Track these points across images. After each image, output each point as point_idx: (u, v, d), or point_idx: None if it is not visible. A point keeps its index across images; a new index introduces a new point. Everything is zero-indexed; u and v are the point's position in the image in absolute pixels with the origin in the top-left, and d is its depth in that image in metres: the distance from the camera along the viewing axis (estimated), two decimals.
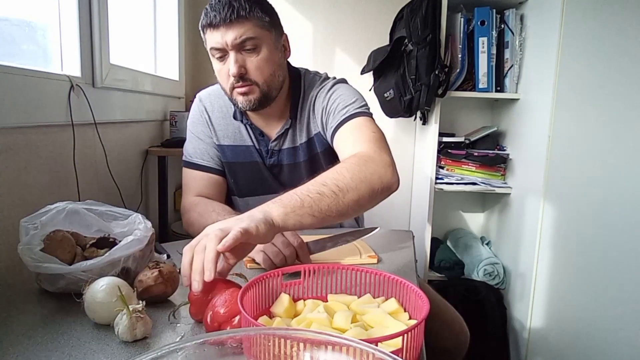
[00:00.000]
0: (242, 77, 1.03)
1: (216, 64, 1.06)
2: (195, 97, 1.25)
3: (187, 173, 1.20)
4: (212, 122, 1.20)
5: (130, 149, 1.60)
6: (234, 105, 1.12)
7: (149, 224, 0.83)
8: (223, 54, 1.03)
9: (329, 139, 1.11)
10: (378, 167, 0.89)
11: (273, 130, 1.17)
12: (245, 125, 1.18)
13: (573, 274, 1.56)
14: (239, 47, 1.01)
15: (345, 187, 0.81)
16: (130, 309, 0.61)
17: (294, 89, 1.16)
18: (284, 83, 1.13)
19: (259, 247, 0.88)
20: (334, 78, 1.20)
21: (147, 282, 0.72)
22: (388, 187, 0.89)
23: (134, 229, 0.82)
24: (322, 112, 1.12)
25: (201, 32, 1.05)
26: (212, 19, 1.00)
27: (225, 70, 1.04)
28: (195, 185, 1.18)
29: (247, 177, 1.21)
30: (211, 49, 1.04)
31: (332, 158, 1.13)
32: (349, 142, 1.00)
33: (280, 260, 0.88)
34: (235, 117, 1.18)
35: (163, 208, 1.77)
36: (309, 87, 1.17)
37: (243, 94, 1.05)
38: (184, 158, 1.22)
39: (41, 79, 1.07)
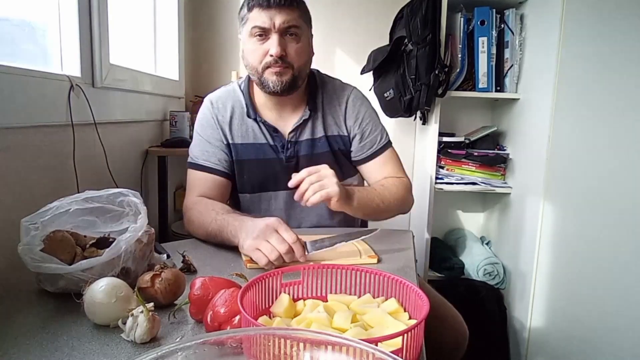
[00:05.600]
0: (281, 58, 1.09)
1: (252, 44, 1.10)
2: (203, 100, 1.26)
3: (192, 174, 1.21)
4: (224, 122, 1.20)
5: (130, 149, 1.60)
6: (263, 85, 1.14)
7: (140, 201, 0.83)
8: (265, 34, 1.08)
9: (357, 157, 1.26)
10: (408, 194, 1.23)
11: (287, 123, 1.21)
12: (258, 123, 1.20)
13: (573, 274, 1.56)
14: (284, 31, 1.08)
15: (387, 203, 1.15)
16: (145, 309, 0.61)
17: (311, 83, 1.24)
18: (307, 77, 1.21)
19: (254, 245, 0.89)
20: (342, 81, 1.30)
21: (149, 291, 0.71)
22: (408, 208, 1.25)
23: (130, 224, 0.81)
24: (353, 125, 1.24)
25: (244, 9, 1.10)
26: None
27: (262, 49, 1.09)
28: (199, 186, 1.19)
29: (259, 173, 1.23)
30: (253, 27, 1.08)
31: (342, 159, 1.25)
32: (387, 170, 1.25)
33: (277, 258, 0.88)
34: (249, 116, 1.20)
35: (163, 208, 1.77)
36: (322, 84, 1.25)
37: (277, 73, 1.10)
38: (189, 160, 1.22)
39: (41, 79, 1.07)
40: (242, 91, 1.22)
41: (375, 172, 1.25)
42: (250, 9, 1.08)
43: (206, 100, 1.24)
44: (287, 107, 1.20)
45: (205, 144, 1.20)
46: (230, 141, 1.20)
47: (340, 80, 1.29)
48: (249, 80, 1.22)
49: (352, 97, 1.25)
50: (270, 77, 1.11)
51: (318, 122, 1.21)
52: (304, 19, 1.12)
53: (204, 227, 1.06)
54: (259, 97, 1.21)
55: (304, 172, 1.00)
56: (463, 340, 1.26)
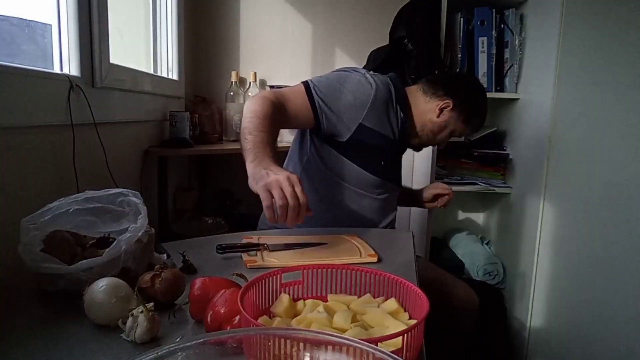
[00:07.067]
0: None
1: (444, 126, 1.38)
2: (364, 74, 1.29)
3: (302, 94, 1.23)
4: (373, 107, 1.26)
5: (130, 149, 1.60)
6: (419, 140, 1.43)
7: (140, 201, 0.83)
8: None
9: None
10: None
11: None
12: (399, 120, 1.33)
13: (573, 273, 1.56)
14: None
15: None
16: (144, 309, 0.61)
17: None
18: None
19: (269, 186, 0.90)
20: None
21: (149, 291, 0.71)
22: None
23: (130, 224, 0.81)
24: None
25: (472, 121, 1.40)
26: (480, 126, 1.46)
27: (444, 136, 1.41)
28: (294, 102, 1.21)
29: (386, 162, 1.35)
30: (457, 129, 1.39)
31: None
32: None
33: (282, 205, 0.88)
34: (404, 113, 1.33)
35: (163, 208, 1.77)
36: None
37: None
38: (312, 84, 1.24)
39: (41, 79, 1.07)
40: (395, 90, 1.32)
41: None
42: (467, 124, 1.39)
43: (368, 76, 1.28)
44: None
45: (335, 101, 1.23)
46: (362, 122, 1.25)
47: None
48: (402, 85, 1.38)
49: None
50: (420, 145, 1.45)
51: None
52: None
53: (254, 118, 1.08)
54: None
55: (448, 187, 1.53)
56: (474, 303, 1.44)
